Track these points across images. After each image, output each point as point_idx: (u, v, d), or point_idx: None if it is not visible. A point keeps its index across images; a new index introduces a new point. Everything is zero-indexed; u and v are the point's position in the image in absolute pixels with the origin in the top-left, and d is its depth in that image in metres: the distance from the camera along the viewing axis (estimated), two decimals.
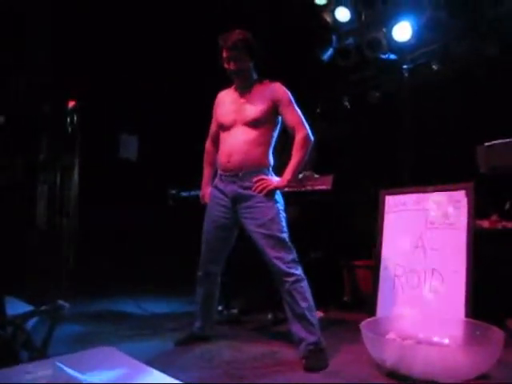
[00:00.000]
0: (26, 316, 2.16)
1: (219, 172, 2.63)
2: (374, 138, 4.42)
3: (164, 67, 4.81)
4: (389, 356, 2.10)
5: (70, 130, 3.87)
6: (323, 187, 3.37)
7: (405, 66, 4.26)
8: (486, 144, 2.84)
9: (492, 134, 2.92)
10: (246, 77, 2.58)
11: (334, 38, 4.60)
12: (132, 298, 4.04)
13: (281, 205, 2.52)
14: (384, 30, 4.23)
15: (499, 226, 3.23)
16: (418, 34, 4.09)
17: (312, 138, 2.52)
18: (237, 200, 2.52)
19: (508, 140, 2.72)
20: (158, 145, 5.12)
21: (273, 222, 2.43)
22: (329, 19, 4.60)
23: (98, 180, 4.52)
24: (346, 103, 4.83)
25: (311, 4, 4.58)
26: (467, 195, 2.90)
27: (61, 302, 2.20)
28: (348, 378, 2.14)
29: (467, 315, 2.64)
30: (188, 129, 4.97)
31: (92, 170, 4.39)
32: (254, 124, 2.50)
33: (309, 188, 3.47)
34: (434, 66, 4.10)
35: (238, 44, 2.46)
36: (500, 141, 2.77)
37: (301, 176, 3.61)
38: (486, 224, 3.25)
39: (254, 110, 2.51)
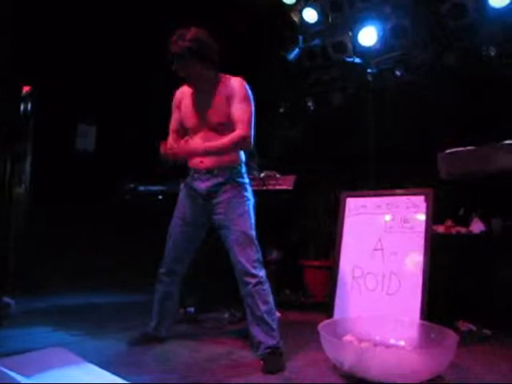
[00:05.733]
0: None
1: (191, 170, 2.55)
2: (337, 139, 4.46)
3: (124, 56, 4.66)
4: (346, 358, 2.10)
5: (23, 116, 3.66)
6: (285, 187, 3.36)
7: (369, 70, 4.31)
8: (448, 151, 2.91)
9: (453, 140, 3.00)
10: (201, 80, 2.44)
11: (300, 38, 4.61)
12: (84, 295, 3.90)
13: (251, 203, 2.49)
14: (350, 33, 4.28)
15: (453, 231, 3.33)
16: (382, 40, 4.15)
17: (250, 143, 2.39)
18: (209, 196, 2.47)
19: (469, 148, 2.80)
20: (116, 137, 4.96)
21: (243, 218, 2.40)
22: (296, 19, 4.61)
23: (51, 171, 4.33)
24: (310, 104, 4.84)
25: (279, 3, 4.57)
26: (426, 201, 2.96)
27: (6, 299, 2.07)
28: (305, 380, 2.13)
29: (422, 317, 2.70)
30: (148, 122, 4.85)
31: (46, 159, 4.19)
32: (220, 128, 2.43)
33: (270, 187, 3.45)
34: (397, 72, 4.18)
35: (185, 53, 2.31)
36: (461, 148, 2.84)
37: (263, 175, 3.59)
38: (441, 229, 3.35)
39: (217, 114, 2.42)
